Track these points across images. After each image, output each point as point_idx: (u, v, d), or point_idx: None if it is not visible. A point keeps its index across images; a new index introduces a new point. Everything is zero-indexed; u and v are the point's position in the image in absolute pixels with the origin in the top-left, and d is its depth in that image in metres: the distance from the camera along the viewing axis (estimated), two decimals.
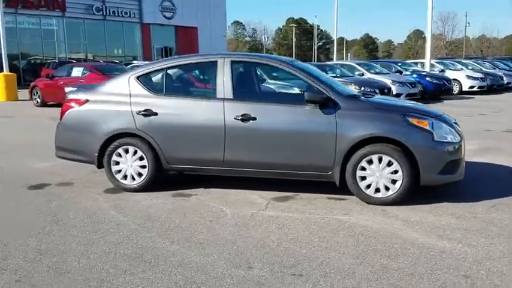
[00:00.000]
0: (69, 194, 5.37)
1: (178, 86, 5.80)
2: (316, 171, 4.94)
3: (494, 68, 24.56)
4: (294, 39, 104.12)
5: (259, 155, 5.00)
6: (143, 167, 5.31)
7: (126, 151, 5.33)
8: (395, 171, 4.71)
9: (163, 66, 5.42)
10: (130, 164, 5.33)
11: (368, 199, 4.82)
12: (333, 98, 4.84)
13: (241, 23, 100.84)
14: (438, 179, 4.76)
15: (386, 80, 16.14)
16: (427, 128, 4.71)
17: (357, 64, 18.87)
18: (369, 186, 4.80)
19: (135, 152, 5.30)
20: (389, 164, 4.71)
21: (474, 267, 3.37)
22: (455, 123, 5.23)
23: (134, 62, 28.63)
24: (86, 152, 5.46)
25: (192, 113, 5.15)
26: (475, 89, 20.42)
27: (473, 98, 18.91)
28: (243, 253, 3.66)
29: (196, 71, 5.79)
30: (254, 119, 4.94)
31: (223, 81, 5.11)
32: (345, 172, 4.83)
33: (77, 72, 14.75)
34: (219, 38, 43.26)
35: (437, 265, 3.41)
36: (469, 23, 72.16)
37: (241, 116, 4.96)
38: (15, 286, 3.17)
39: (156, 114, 5.18)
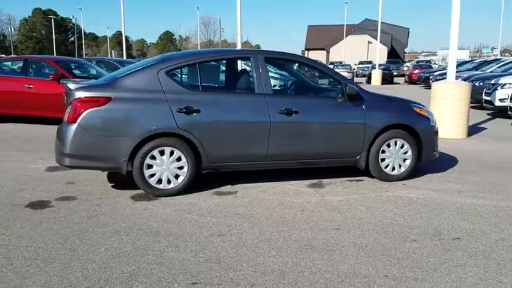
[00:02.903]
0: (95, 207, 4.59)
1: (213, 81, 5.50)
2: (348, 158, 5.56)
3: None
4: (44, 32, 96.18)
5: (300, 147, 5.30)
6: (180, 168, 4.95)
7: (162, 152, 4.87)
8: (406, 152, 5.72)
9: (195, 61, 5.12)
10: (167, 167, 4.89)
11: (387, 177, 5.69)
12: (359, 92, 5.53)
13: None
14: (431, 156, 5.98)
15: None
16: (426, 115, 5.87)
17: None
18: (386, 166, 5.69)
19: (172, 153, 4.90)
20: (402, 146, 5.70)
21: None
22: None
23: None
24: (112, 157, 4.74)
25: (236, 109, 5.07)
26: None
27: None
28: (385, 231, 4.05)
29: (228, 66, 5.55)
30: (297, 112, 5.22)
31: (261, 76, 5.19)
32: (369, 156, 5.60)
33: None
34: None
35: (503, 216, 4.50)
36: (223, 29, 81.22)
37: (285, 110, 5.17)
38: None
39: (198, 111, 4.90)
